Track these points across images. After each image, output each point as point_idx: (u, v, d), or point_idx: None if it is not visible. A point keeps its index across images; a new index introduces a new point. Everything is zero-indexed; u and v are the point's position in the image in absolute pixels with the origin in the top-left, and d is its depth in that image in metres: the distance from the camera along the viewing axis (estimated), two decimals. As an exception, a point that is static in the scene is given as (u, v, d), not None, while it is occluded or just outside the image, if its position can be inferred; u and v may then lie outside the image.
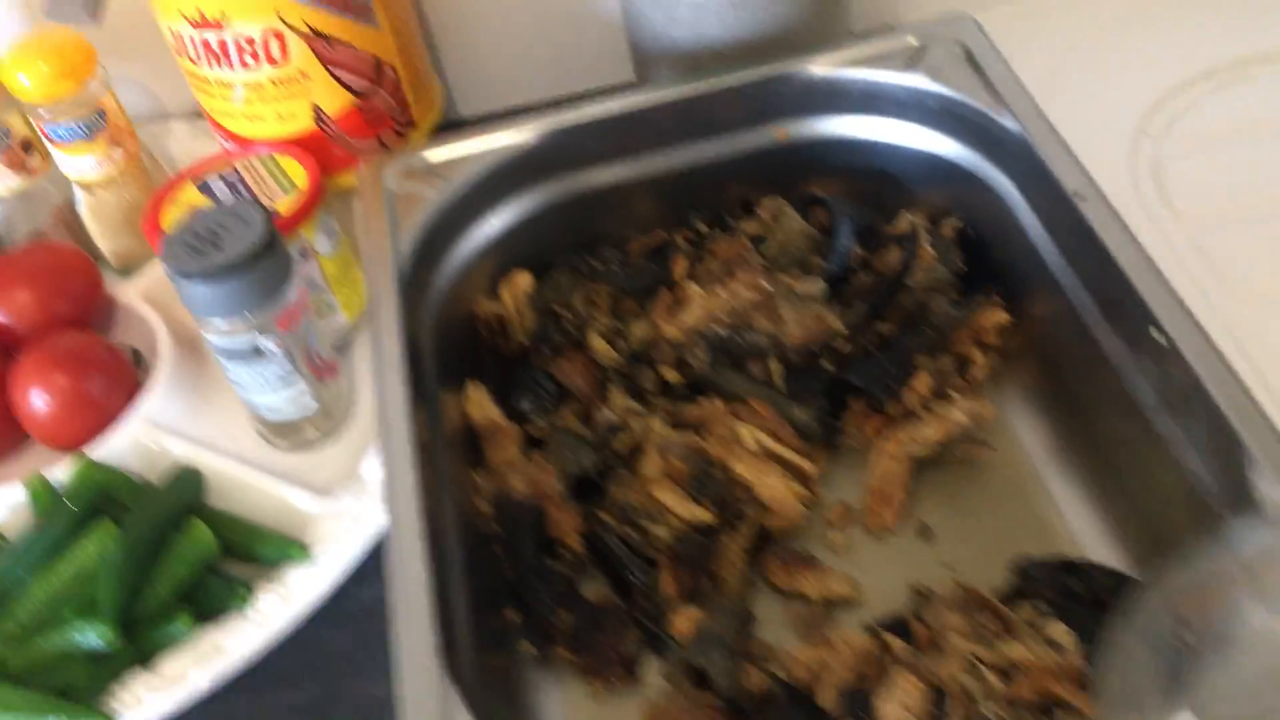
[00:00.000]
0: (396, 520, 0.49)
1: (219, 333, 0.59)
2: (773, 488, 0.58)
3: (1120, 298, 0.52)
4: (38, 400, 0.63)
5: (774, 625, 0.56)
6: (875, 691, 0.47)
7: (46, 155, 0.73)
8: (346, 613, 0.59)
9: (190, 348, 0.69)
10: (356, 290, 0.70)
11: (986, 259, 0.65)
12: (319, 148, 0.69)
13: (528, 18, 0.81)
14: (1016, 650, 0.47)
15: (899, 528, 0.59)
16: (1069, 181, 0.55)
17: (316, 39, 0.67)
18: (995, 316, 0.63)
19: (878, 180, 0.68)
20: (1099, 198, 0.55)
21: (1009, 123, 0.60)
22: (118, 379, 0.65)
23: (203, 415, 0.66)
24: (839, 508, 0.60)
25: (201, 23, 0.66)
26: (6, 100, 0.70)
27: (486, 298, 0.66)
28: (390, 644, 0.45)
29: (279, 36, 0.66)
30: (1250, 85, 0.66)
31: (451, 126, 0.77)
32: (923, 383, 0.61)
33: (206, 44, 0.67)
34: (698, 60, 0.70)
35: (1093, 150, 0.57)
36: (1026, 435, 0.62)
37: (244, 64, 0.67)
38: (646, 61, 0.74)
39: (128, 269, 0.75)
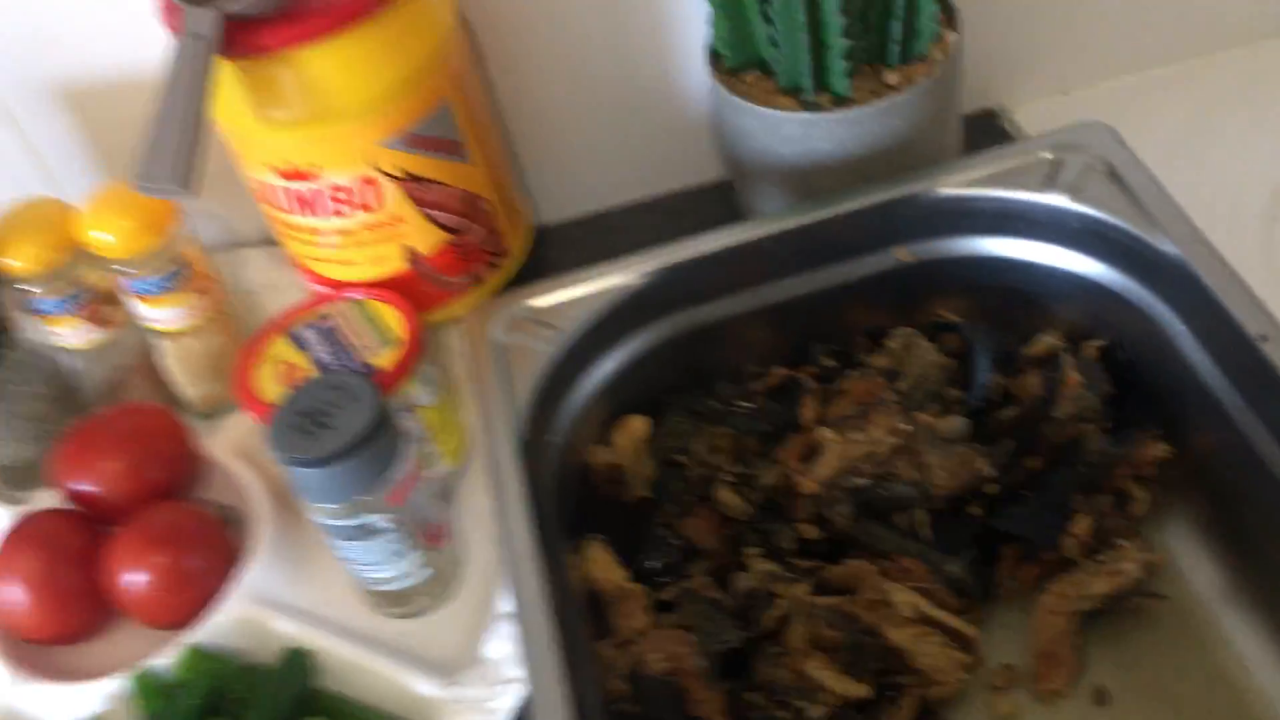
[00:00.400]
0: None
1: (330, 514, 0.56)
2: (932, 656, 0.54)
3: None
4: (135, 580, 0.60)
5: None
6: None
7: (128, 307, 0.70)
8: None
9: (287, 504, 0.66)
10: (458, 435, 0.66)
11: (1136, 381, 0.60)
12: (412, 287, 0.66)
13: (608, 120, 0.78)
14: None
15: (1072, 693, 0.54)
16: (1251, 325, 0.50)
17: (410, 182, 0.64)
18: (1155, 450, 0.58)
19: (1010, 299, 0.63)
20: (1282, 336, 0.50)
21: (1166, 247, 0.56)
22: (216, 551, 0.62)
23: (306, 583, 0.63)
24: (1003, 671, 0.55)
25: (293, 174, 0.62)
26: (81, 258, 0.67)
27: (600, 446, 0.62)
28: None
29: (373, 183, 0.63)
30: None
31: (540, 241, 0.74)
32: (1082, 526, 0.57)
33: (298, 195, 0.63)
34: (805, 176, 0.66)
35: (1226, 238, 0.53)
36: (1196, 576, 0.57)
37: (337, 212, 0.64)
38: (745, 173, 0.70)
39: (212, 414, 0.72)
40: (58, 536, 0.62)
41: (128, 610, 0.62)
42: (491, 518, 0.62)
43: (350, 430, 0.53)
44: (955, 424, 0.59)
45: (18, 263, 0.65)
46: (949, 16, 0.67)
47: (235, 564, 0.62)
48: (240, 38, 0.57)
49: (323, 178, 0.62)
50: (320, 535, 0.62)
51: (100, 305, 0.69)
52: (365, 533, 0.56)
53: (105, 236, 0.65)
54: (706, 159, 0.80)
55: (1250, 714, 0.52)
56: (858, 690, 0.53)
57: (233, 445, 0.68)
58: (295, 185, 0.63)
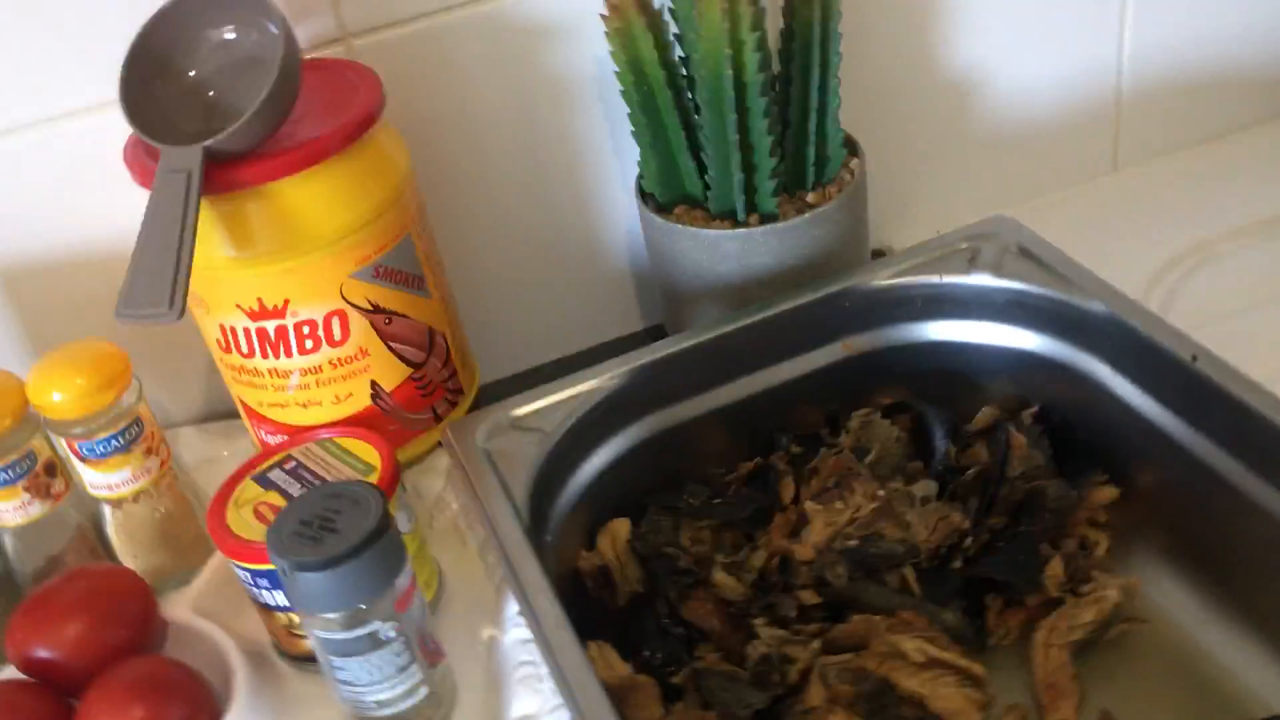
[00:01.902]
0: None
1: (334, 626, 0.54)
2: (949, 698, 0.55)
3: (1266, 444, 0.53)
4: (113, 742, 0.56)
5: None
6: None
7: (69, 477, 0.68)
8: None
9: (261, 665, 0.63)
10: (431, 570, 0.65)
11: (1075, 437, 0.65)
12: (375, 426, 0.67)
13: (538, 274, 0.82)
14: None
15: (1079, 718, 0.56)
16: (1181, 350, 0.57)
17: (377, 314, 0.65)
18: (1105, 494, 0.63)
19: (948, 380, 0.68)
20: (1212, 356, 0.56)
21: (1091, 305, 0.62)
22: (198, 705, 0.58)
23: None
24: (1011, 709, 0.57)
25: (260, 313, 0.63)
26: (26, 425, 0.65)
27: (586, 550, 0.63)
28: None
29: (341, 315, 0.64)
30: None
31: (479, 398, 0.76)
32: (1056, 566, 0.60)
33: (263, 333, 0.64)
34: (742, 291, 0.71)
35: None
36: (1171, 599, 0.60)
37: (302, 349, 0.65)
38: (683, 301, 0.74)
39: (162, 589, 0.69)
40: (17, 709, 0.57)
41: (104, 779, 0.57)
42: (475, 629, 0.62)
43: (356, 532, 0.53)
44: (926, 486, 0.62)
45: (-41, 433, 0.63)
46: (851, 147, 0.75)
47: (217, 713, 0.59)
48: (218, 175, 0.59)
49: (291, 313, 0.63)
50: (297, 689, 0.60)
51: (42, 477, 0.66)
52: (370, 644, 0.55)
53: (56, 396, 0.63)
54: (635, 308, 0.84)
55: (1246, 713, 0.54)
56: (887, 741, 0.53)
57: (192, 605, 0.66)
58: (262, 324, 0.64)
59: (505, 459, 0.60)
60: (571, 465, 0.63)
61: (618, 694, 0.57)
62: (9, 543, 0.68)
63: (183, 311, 0.55)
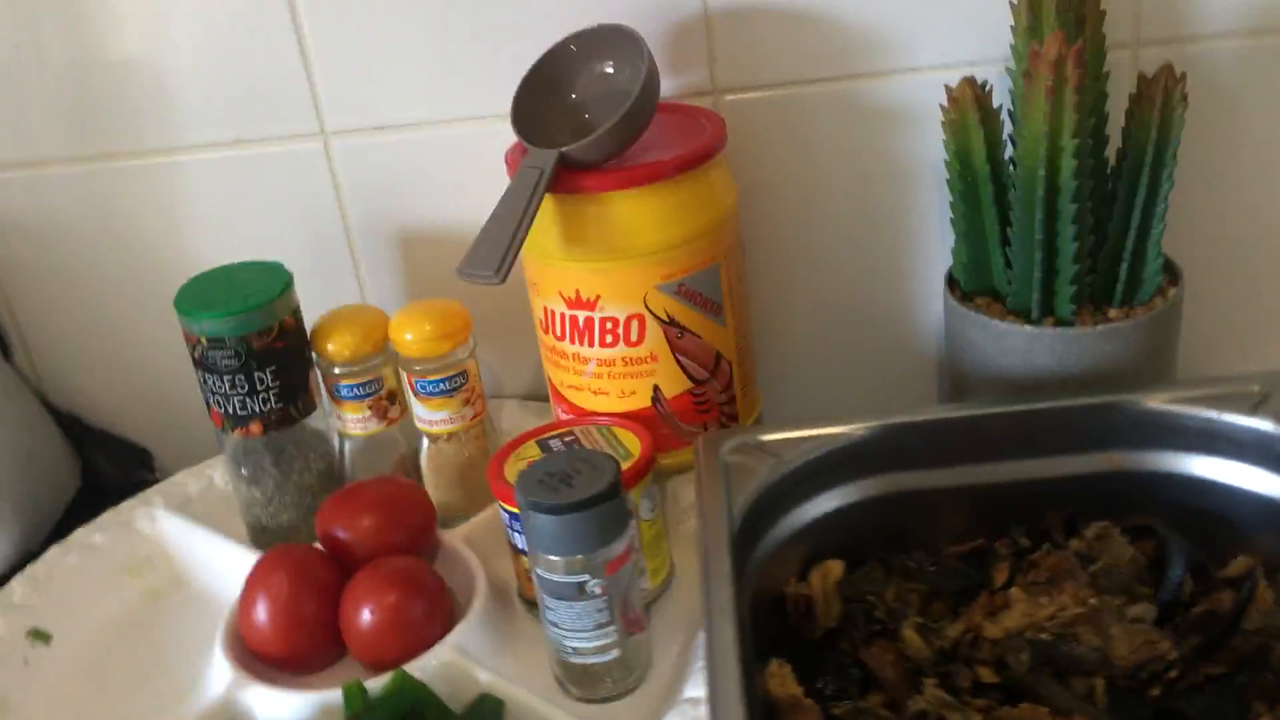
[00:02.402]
0: None
1: (553, 568, 0.62)
2: (1099, 810, 0.54)
3: None
4: (366, 616, 0.67)
5: None
6: None
7: (404, 408, 0.81)
8: None
9: (501, 597, 0.72)
10: (663, 560, 0.72)
11: (1332, 612, 0.61)
12: (650, 426, 0.74)
13: (843, 334, 0.86)
14: None
15: None
16: None
17: (671, 327, 0.74)
18: (1348, 671, 0.59)
19: (1209, 521, 0.66)
20: None
21: (1367, 468, 0.59)
22: (439, 606, 0.68)
23: (505, 656, 0.68)
24: None
25: (575, 302, 0.73)
26: (384, 356, 0.79)
27: (796, 579, 0.67)
28: None
29: (640, 320, 0.73)
30: None
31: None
32: (1266, 725, 0.57)
33: (574, 321, 0.74)
34: (1023, 388, 0.72)
35: None
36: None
37: (603, 342, 0.74)
38: (966, 391, 0.77)
39: (448, 523, 0.80)
40: (306, 566, 0.70)
41: (351, 644, 0.68)
42: (688, 625, 0.67)
43: (587, 491, 0.61)
44: (1144, 609, 0.61)
45: (333, 347, 0.78)
46: (1173, 275, 0.74)
47: (451, 623, 0.68)
48: (567, 179, 0.70)
49: (600, 308, 0.73)
50: (524, 628, 0.68)
51: (384, 401, 0.80)
52: (577, 592, 0.62)
53: (408, 335, 0.77)
54: (933, 394, 0.87)
55: None
56: (1023, 824, 0.53)
57: (465, 537, 0.76)
58: (575, 312, 0.74)
59: (739, 473, 0.66)
60: (802, 497, 0.67)
61: (784, 709, 0.61)
62: (348, 450, 0.82)
63: (505, 278, 0.66)
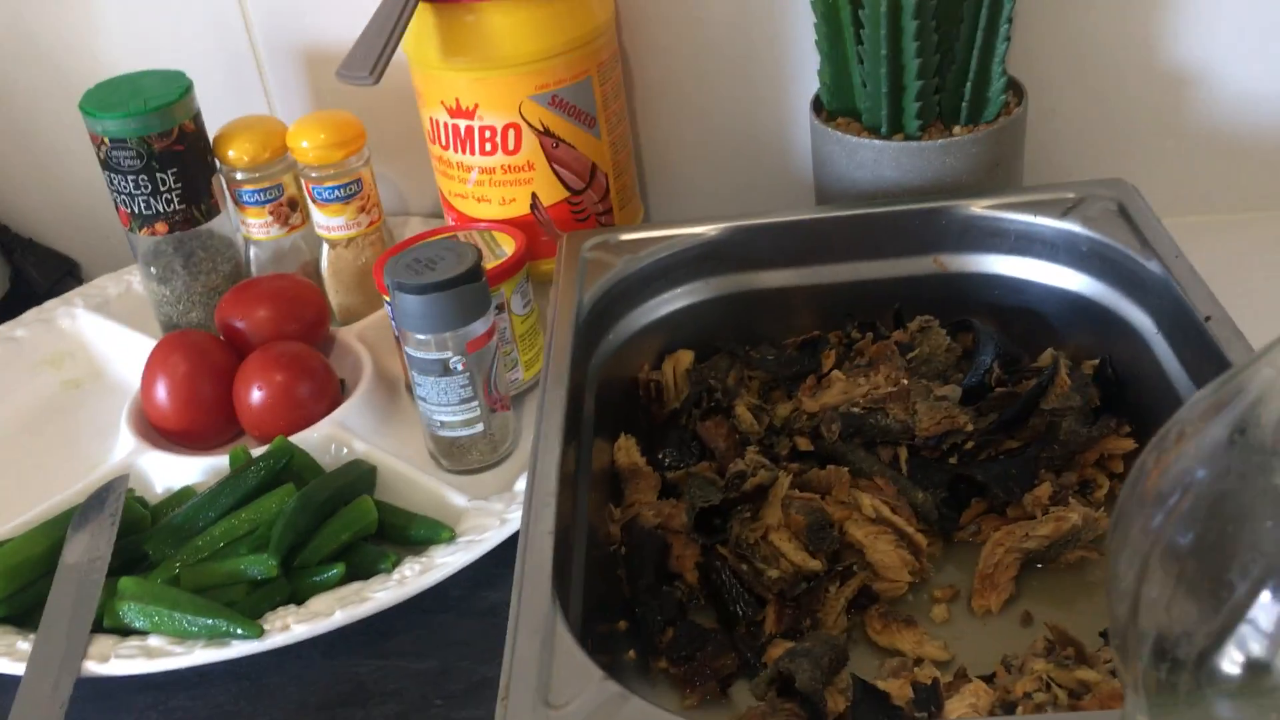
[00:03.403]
0: (531, 517, 0.54)
1: (418, 346, 0.68)
2: (884, 553, 0.61)
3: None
4: (256, 393, 0.73)
5: (864, 675, 0.58)
6: (947, 695, 0.49)
7: (305, 215, 0.86)
8: (473, 609, 0.64)
9: (385, 385, 0.79)
10: (536, 354, 0.78)
11: (1122, 398, 0.68)
12: (529, 233, 0.80)
13: (726, 150, 0.92)
14: (1090, 675, 0.48)
15: (1002, 613, 0.61)
16: (1201, 308, 0.59)
17: (546, 136, 0.79)
18: (1121, 444, 0.66)
19: (1025, 319, 0.73)
20: (1227, 319, 0.58)
21: (1154, 265, 0.65)
22: (324, 387, 0.75)
23: (384, 434, 0.75)
24: (946, 588, 0.62)
25: (456, 111, 0.78)
26: (284, 164, 0.84)
27: (650, 367, 0.73)
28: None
29: (516, 129, 0.78)
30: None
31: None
32: (1044, 490, 0.64)
33: (456, 130, 0.79)
34: (871, 199, 0.78)
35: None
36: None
37: (483, 151, 0.79)
38: (829, 202, 0.82)
39: (348, 323, 0.86)
40: (202, 348, 0.76)
41: (243, 421, 0.75)
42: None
43: (447, 274, 0.67)
44: (950, 390, 0.68)
45: (234, 153, 0.82)
46: (1018, 93, 0.79)
47: (335, 403, 0.75)
48: (442, -11, 0.74)
49: (479, 117, 0.78)
50: (405, 410, 0.75)
51: (285, 207, 0.85)
52: (440, 369, 0.68)
53: (304, 144, 0.81)
54: (809, 200, 0.93)
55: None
56: (812, 564, 0.60)
57: (357, 334, 0.82)
58: (456, 121, 0.79)
59: (595, 267, 0.72)
60: (656, 292, 0.73)
61: (626, 476, 0.68)
62: (254, 255, 0.87)
63: (379, 79, 0.71)
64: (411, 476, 0.69)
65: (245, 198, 0.84)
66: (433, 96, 0.79)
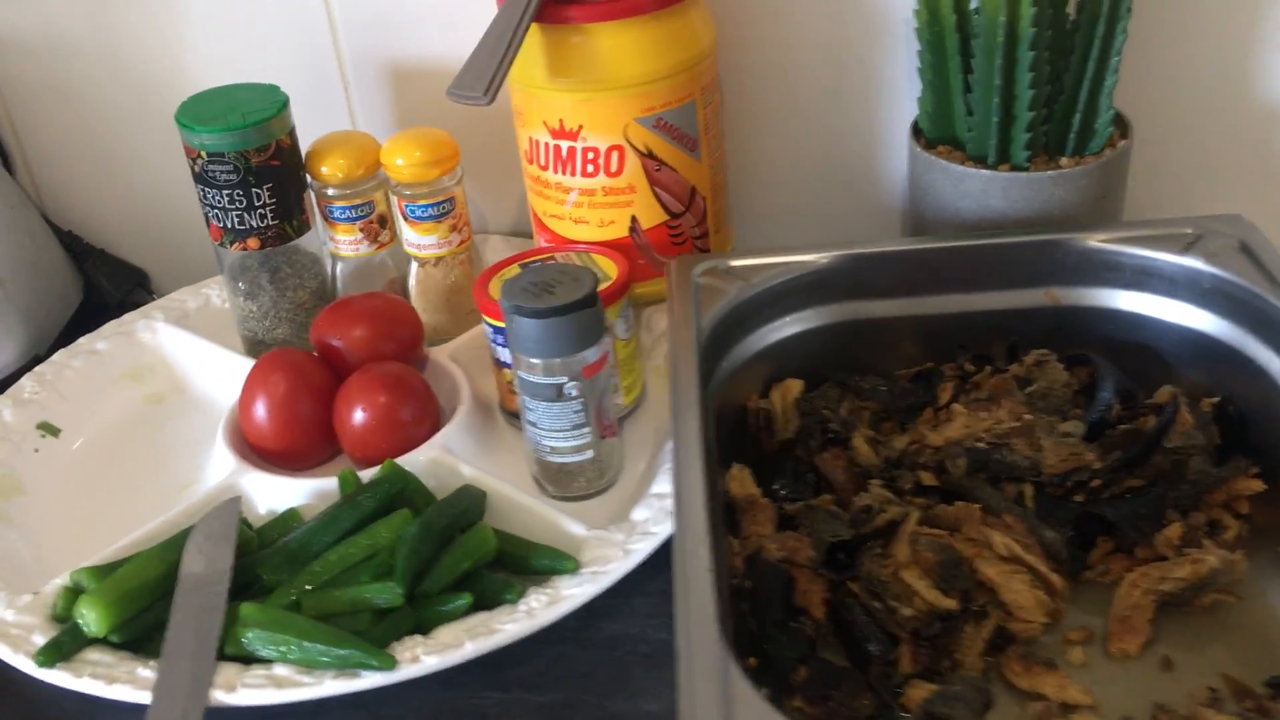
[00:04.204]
0: (687, 555, 0.52)
1: (532, 370, 0.67)
2: (1019, 593, 0.60)
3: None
4: (359, 414, 0.72)
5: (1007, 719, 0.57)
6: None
7: (394, 233, 0.85)
8: (592, 641, 0.63)
9: (484, 409, 0.77)
10: (636, 379, 0.77)
11: (1244, 438, 0.67)
12: (627, 255, 0.79)
13: (812, 175, 0.91)
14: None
15: (1140, 657, 0.60)
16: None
17: (648, 159, 0.78)
18: (1250, 485, 0.65)
19: (1140, 353, 0.72)
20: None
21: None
22: (426, 409, 0.73)
23: (486, 459, 0.73)
24: (1079, 629, 0.61)
25: (560, 132, 0.77)
26: (375, 180, 0.83)
27: (758, 396, 0.72)
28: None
29: (619, 151, 0.77)
30: None
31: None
32: (1175, 531, 0.63)
33: (557, 150, 0.78)
34: (974, 229, 0.77)
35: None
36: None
37: (584, 172, 0.78)
38: (926, 232, 0.81)
39: (435, 343, 0.85)
40: (302, 367, 0.75)
41: (345, 442, 0.73)
42: (657, 441, 0.73)
43: (568, 298, 0.66)
44: (1073, 426, 0.67)
45: (327, 169, 0.81)
46: (1123, 127, 0.79)
47: (437, 427, 0.73)
48: (554, 10, 0.73)
49: (582, 139, 0.77)
50: (504, 435, 0.73)
51: (374, 224, 0.84)
52: (555, 394, 0.67)
53: (399, 161, 0.80)
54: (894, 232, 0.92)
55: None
56: (947, 603, 0.59)
57: (450, 354, 0.81)
58: (558, 142, 0.78)
59: (708, 293, 0.71)
60: (766, 320, 0.72)
61: (742, 507, 0.67)
62: (340, 271, 0.86)
63: (493, 98, 0.70)
64: (524, 503, 0.68)
65: (336, 214, 0.83)
66: (534, 116, 0.78)
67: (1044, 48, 0.73)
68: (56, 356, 0.84)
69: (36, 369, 0.83)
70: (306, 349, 0.83)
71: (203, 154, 0.77)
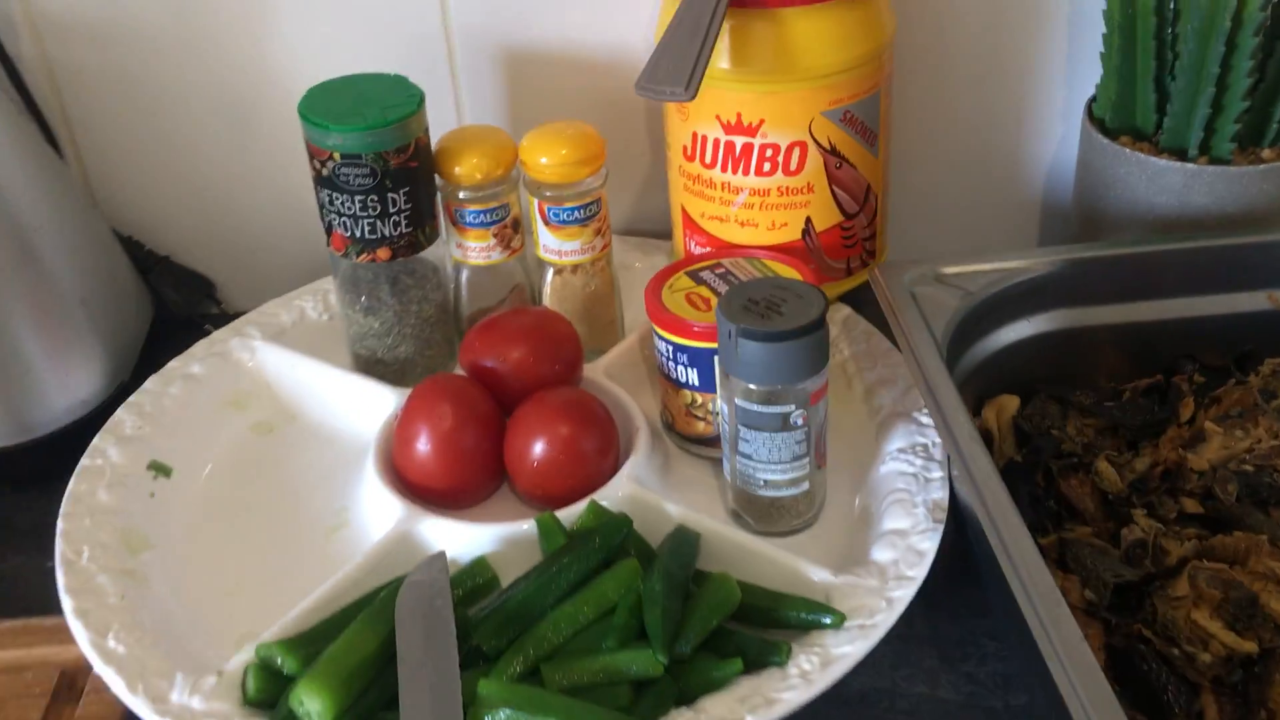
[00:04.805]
0: (1047, 627, 0.47)
1: (752, 397, 0.60)
2: (1316, 633, 0.56)
3: None
4: (538, 448, 0.64)
5: (1334, 773, 0.52)
6: None
7: (526, 238, 0.77)
8: (840, 696, 0.57)
9: (656, 433, 0.70)
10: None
11: None
12: (802, 261, 0.72)
13: (963, 167, 0.85)
14: None
15: None
16: None
17: (831, 155, 0.71)
18: None
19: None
20: None
21: None
22: (610, 439, 0.66)
23: (673, 491, 0.67)
24: (1377, 669, 0.57)
25: (735, 128, 0.70)
26: (510, 182, 0.75)
27: (971, 414, 0.67)
28: None
29: (801, 148, 0.70)
30: None
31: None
32: None
33: (730, 147, 0.71)
34: (1175, 229, 0.72)
35: None
36: None
37: (760, 171, 0.71)
38: (1107, 229, 0.76)
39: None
40: (467, 397, 0.67)
41: (518, 477, 0.66)
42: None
43: (799, 319, 0.59)
44: (1328, 441, 0.62)
45: (461, 170, 0.73)
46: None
47: (618, 457, 0.66)
48: (743, -8, 0.66)
49: (762, 135, 0.70)
50: (677, 454, 0.67)
51: (509, 229, 0.76)
52: (779, 423, 0.61)
53: (543, 160, 0.72)
54: (1034, 232, 0.87)
55: None
56: (1246, 645, 0.55)
57: (604, 370, 0.74)
58: (733, 138, 0.70)
59: (929, 304, 0.64)
60: (983, 331, 0.67)
61: (979, 541, 0.61)
62: (465, 278, 0.78)
63: (695, 93, 0.62)
64: (750, 545, 0.61)
65: (468, 219, 0.74)
66: (705, 110, 0.71)
67: (1267, 34, 0.68)
68: (149, 384, 0.75)
69: (131, 400, 0.73)
70: (427, 369, 0.76)
71: (337, 155, 0.68)
